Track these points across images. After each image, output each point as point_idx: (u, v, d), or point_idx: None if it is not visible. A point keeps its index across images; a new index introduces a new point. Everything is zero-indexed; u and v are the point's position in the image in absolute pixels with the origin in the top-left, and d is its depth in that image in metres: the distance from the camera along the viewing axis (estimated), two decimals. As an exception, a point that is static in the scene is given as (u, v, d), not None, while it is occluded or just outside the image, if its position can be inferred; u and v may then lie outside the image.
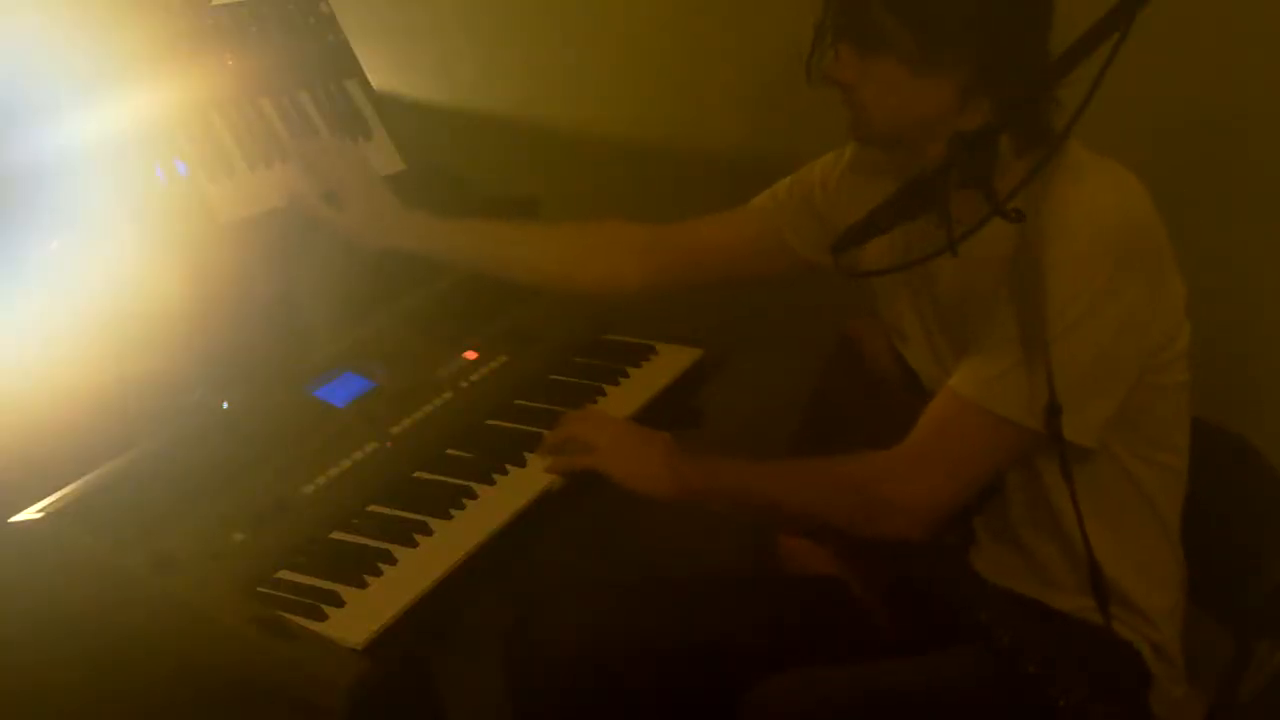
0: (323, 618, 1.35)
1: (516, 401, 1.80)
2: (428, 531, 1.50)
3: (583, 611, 1.69)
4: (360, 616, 1.36)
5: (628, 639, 1.65)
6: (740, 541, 2.08)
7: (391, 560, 1.44)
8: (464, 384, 1.78)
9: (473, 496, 1.57)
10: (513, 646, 1.68)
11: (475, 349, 1.84)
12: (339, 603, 1.37)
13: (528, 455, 1.66)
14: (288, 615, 1.35)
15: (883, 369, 1.73)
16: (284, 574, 1.42)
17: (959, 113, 1.43)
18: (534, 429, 1.71)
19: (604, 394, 1.82)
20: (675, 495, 1.58)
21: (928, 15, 1.40)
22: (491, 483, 1.60)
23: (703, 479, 1.59)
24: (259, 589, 1.39)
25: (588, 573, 2.18)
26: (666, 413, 1.84)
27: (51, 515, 1.38)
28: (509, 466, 1.63)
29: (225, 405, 1.61)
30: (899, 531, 1.49)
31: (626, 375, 1.87)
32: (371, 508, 1.55)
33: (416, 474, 1.63)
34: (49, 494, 1.40)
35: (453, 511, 1.54)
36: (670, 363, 1.92)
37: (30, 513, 1.38)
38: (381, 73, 2.05)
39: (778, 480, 1.58)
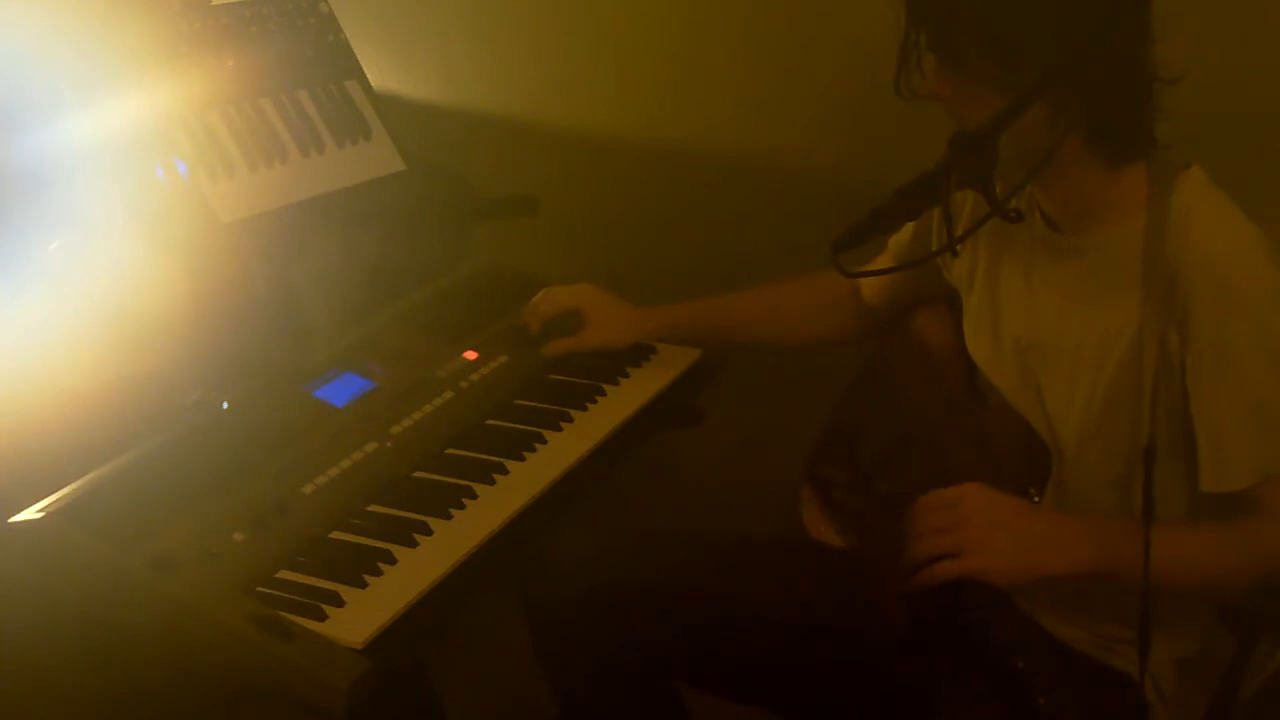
0: (323, 618, 1.35)
1: (516, 401, 1.80)
2: (428, 531, 1.50)
3: (600, 553, 1.70)
4: (360, 616, 1.36)
5: (644, 580, 1.66)
6: (763, 505, 2.05)
7: (391, 560, 1.44)
8: (464, 384, 1.78)
9: (473, 496, 1.57)
10: (531, 584, 1.70)
11: (475, 349, 1.84)
12: (339, 603, 1.37)
13: (528, 454, 1.66)
14: (288, 615, 1.34)
15: (944, 361, 1.70)
16: (284, 574, 1.42)
17: (1051, 124, 1.37)
18: (534, 429, 1.71)
19: (604, 394, 1.82)
20: (1094, 568, 1.37)
21: (1011, 44, 1.35)
22: (491, 483, 1.60)
23: (1129, 544, 1.32)
24: (259, 589, 1.39)
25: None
26: (667, 413, 1.84)
27: (51, 515, 1.38)
28: (509, 466, 1.63)
29: (225, 405, 1.61)
30: None
31: (626, 375, 1.87)
32: (371, 508, 1.55)
33: (416, 474, 1.62)
34: (49, 494, 1.40)
35: (453, 511, 1.54)
36: (670, 363, 1.91)
37: (30, 513, 1.39)
38: (381, 73, 2.06)
39: (1204, 548, 1.41)
